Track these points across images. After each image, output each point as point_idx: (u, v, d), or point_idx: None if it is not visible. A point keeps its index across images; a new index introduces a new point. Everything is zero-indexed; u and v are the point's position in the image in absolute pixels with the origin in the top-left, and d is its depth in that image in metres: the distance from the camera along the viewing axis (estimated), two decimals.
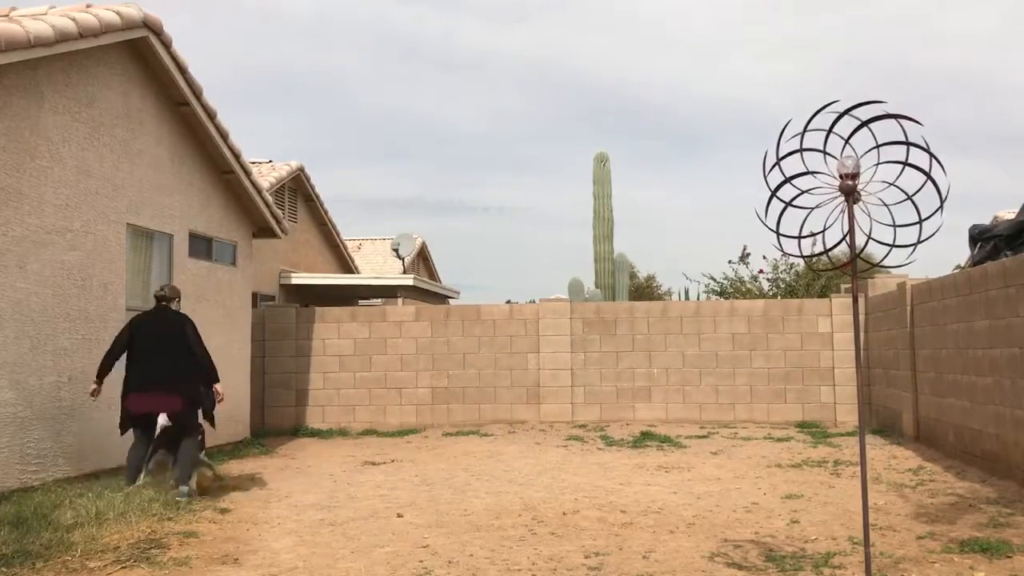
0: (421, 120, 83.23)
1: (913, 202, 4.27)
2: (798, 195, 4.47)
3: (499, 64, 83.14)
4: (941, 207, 4.24)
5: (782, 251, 4.71)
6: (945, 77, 72.20)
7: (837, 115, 4.35)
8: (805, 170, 4.41)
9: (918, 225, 4.26)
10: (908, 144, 4.26)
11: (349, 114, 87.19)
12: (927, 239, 4.25)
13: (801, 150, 4.41)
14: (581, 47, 79.04)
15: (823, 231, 4.47)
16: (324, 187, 59.81)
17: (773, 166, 4.46)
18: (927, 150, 4.24)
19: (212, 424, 8.09)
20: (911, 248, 4.29)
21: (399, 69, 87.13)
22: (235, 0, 78.61)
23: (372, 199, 72.13)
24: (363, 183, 79.60)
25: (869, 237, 4.37)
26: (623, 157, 69.86)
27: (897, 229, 4.32)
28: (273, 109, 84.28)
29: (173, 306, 8.01)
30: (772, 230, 4.50)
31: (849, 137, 4.34)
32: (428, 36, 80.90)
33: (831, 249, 4.55)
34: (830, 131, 4.37)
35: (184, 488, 7.35)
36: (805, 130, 4.39)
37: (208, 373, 7.81)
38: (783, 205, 4.49)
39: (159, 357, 7.57)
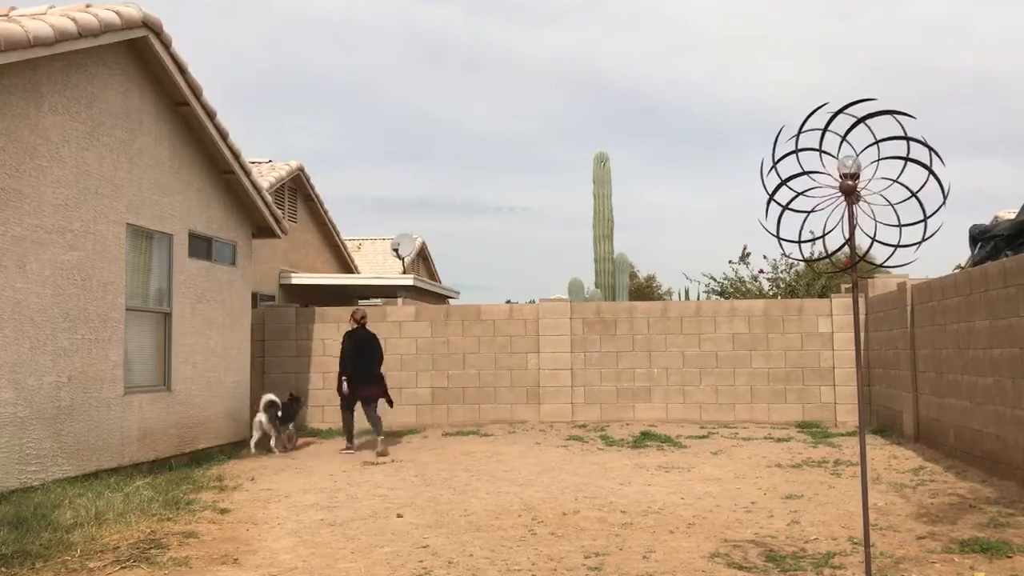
0: (436, 121, 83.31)
1: (918, 199, 4.25)
2: (795, 196, 4.46)
3: (518, 65, 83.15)
4: (944, 202, 4.22)
5: (785, 254, 4.72)
6: (966, 78, 72.11)
7: (831, 114, 4.34)
8: (803, 171, 4.40)
9: (922, 223, 4.23)
10: (908, 139, 4.25)
11: (358, 114, 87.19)
12: (931, 236, 4.24)
13: (796, 151, 4.39)
14: (603, 49, 79.09)
15: (824, 234, 4.46)
16: (335, 186, 59.76)
17: (770, 169, 4.45)
18: (926, 144, 4.23)
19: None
20: (914, 247, 4.27)
21: (420, 70, 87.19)
22: (261, 0, 78.78)
23: (383, 199, 72.32)
24: (374, 183, 79.80)
25: (873, 240, 4.35)
26: (633, 158, 69.91)
27: (899, 228, 4.30)
28: (288, 109, 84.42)
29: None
30: (773, 235, 4.49)
31: (846, 134, 4.33)
32: (453, 37, 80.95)
33: (834, 253, 4.54)
34: (825, 130, 4.35)
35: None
36: (800, 131, 4.38)
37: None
38: (782, 209, 4.47)
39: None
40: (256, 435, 11.16)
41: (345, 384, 11.17)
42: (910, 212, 4.30)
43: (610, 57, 79.18)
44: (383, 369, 11.76)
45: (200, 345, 10.47)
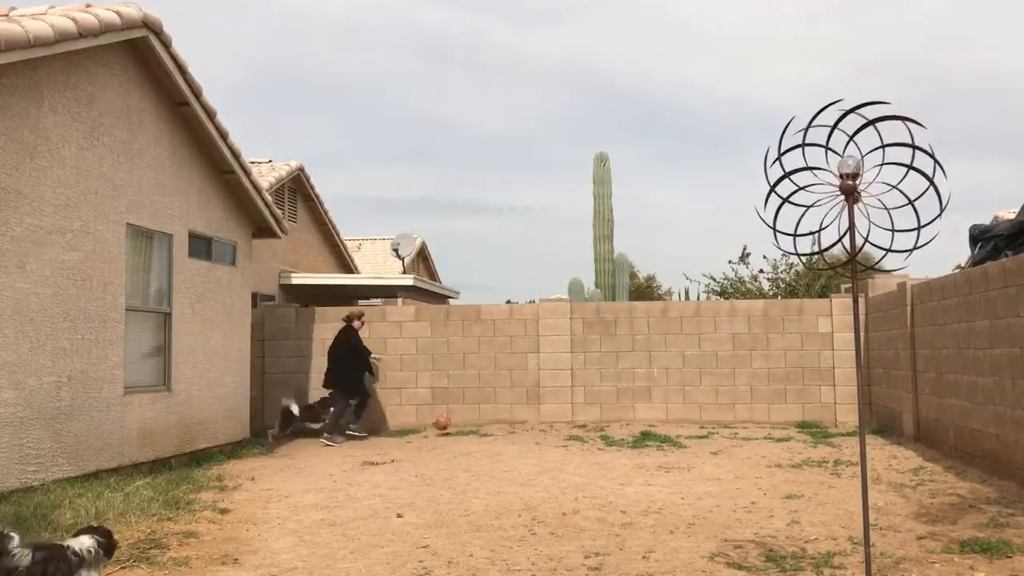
0: (437, 121, 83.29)
1: (914, 208, 4.25)
2: (796, 191, 4.46)
3: (519, 65, 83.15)
4: (940, 214, 4.23)
5: (779, 248, 4.71)
6: (966, 78, 72.06)
7: (842, 113, 4.34)
8: (807, 166, 4.40)
9: (916, 231, 4.24)
10: (913, 147, 4.25)
11: (358, 114, 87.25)
12: (924, 245, 4.24)
13: (803, 145, 4.39)
14: (604, 48, 79.03)
15: (820, 230, 4.46)
16: (335, 186, 59.62)
17: (774, 161, 4.45)
18: (931, 155, 4.23)
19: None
20: (906, 254, 4.28)
21: (420, 70, 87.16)
22: (262, 0, 78.82)
23: (383, 199, 72.34)
24: (374, 183, 79.78)
25: (866, 240, 4.36)
26: (634, 157, 69.86)
27: (892, 233, 4.31)
28: (289, 109, 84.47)
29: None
30: (769, 226, 4.49)
31: (854, 134, 4.33)
32: (453, 37, 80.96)
33: (827, 249, 4.54)
34: (834, 127, 4.35)
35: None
36: (809, 126, 4.38)
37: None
38: (781, 201, 4.47)
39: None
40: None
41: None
42: (908, 217, 4.31)
43: (611, 57, 79.23)
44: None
45: (200, 345, 10.46)
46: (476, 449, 11.03)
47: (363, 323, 13.08)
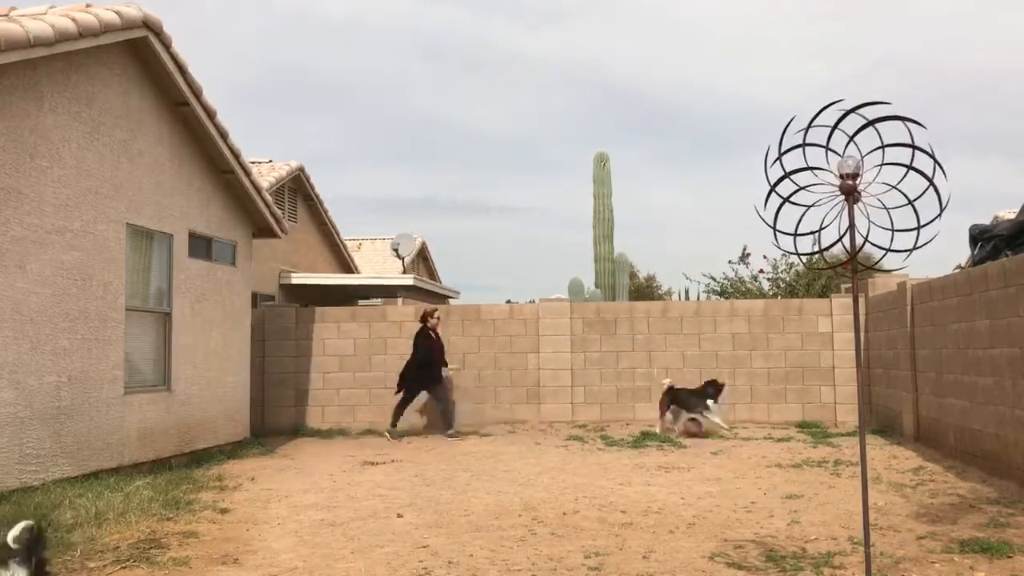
0: (437, 121, 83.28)
1: (914, 208, 4.25)
2: (796, 191, 4.46)
3: (519, 65, 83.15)
4: (940, 215, 4.23)
5: (779, 247, 4.70)
6: (966, 78, 72.03)
7: (842, 113, 4.34)
8: (807, 166, 4.39)
9: (916, 231, 4.24)
10: (914, 148, 4.25)
11: (358, 114, 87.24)
12: (924, 245, 4.24)
13: (804, 145, 4.39)
14: (605, 49, 79.04)
15: (820, 230, 4.46)
16: (335, 186, 59.59)
17: (775, 161, 4.45)
18: (931, 155, 4.23)
19: None
20: (905, 254, 4.28)
21: (421, 70, 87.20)
22: (264, 0, 78.86)
23: (383, 199, 72.36)
24: (374, 183, 79.79)
25: (866, 240, 4.36)
26: (634, 158, 69.90)
27: (895, 233, 4.31)
28: (289, 109, 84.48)
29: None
30: (769, 225, 4.49)
31: (854, 135, 4.32)
32: (454, 38, 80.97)
33: (827, 249, 4.54)
34: (835, 128, 4.35)
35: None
36: (809, 126, 4.38)
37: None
38: (781, 201, 4.47)
39: None
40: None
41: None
42: (908, 217, 4.31)
43: (612, 57, 79.25)
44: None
45: (200, 345, 10.47)
46: (476, 449, 11.03)
47: (438, 319, 12.74)
